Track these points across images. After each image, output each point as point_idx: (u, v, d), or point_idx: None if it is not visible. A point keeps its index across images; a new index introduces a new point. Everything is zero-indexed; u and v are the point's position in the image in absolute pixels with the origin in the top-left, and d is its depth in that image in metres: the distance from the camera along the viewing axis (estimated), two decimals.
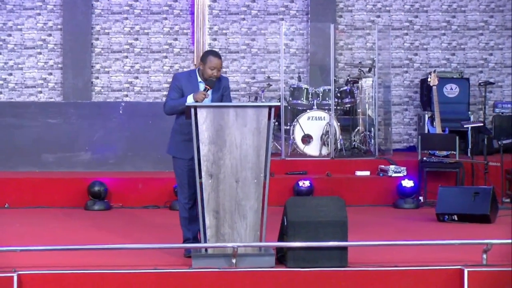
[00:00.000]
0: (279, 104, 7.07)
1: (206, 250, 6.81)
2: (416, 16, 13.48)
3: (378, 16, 13.45)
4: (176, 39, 13.27)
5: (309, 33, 13.32)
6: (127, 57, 13.25)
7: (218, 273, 6.62)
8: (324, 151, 11.64)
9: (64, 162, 11.24)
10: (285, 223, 6.85)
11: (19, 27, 13.10)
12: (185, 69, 12.76)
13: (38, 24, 13.12)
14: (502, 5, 13.53)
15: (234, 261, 6.68)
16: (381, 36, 12.48)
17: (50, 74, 13.16)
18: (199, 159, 6.78)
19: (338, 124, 11.75)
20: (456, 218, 9.19)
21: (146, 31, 13.23)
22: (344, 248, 6.78)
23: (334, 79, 11.92)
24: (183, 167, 7.17)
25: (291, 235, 6.76)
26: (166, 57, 13.27)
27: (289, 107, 12.01)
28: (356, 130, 12.08)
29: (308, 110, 11.81)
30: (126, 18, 13.23)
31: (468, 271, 6.64)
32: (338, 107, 11.97)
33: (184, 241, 7.27)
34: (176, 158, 7.25)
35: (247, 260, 6.74)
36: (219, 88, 7.23)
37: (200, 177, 6.80)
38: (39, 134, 11.29)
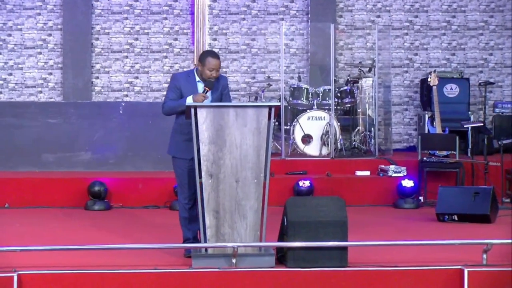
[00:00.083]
0: (279, 104, 7.06)
1: (206, 250, 6.81)
2: (416, 16, 13.47)
3: (378, 16, 13.44)
4: (176, 39, 13.26)
5: (309, 33, 13.31)
6: (127, 57, 13.24)
7: (218, 273, 6.62)
8: (324, 151, 11.63)
9: (64, 162, 11.23)
10: (285, 223, 6.85)
11: (19, 27, 13.09)
12: (185, 69, 12.74)
13: (38, 24, 13.11)
14: (502, 5, 13.52)
15: (234, 261, 6.68)
16: (381, 36, 12.47)
17: (50, 74, 13.15)
18: (199, 159, 6.77)
19: (338, 124, 11.74)
20: (456, 218, 9.18)
21: (146, 31, 13.23)
22: (344, 248, 6.78)
23: (334, 79, 11.92)
24: (184, 167, 7.16)
25: (291, 235, 6.76)
26: (166, 57, 13.27)
27: (289, 107, 12.01)
28: (356, 130, 12.07)
29: (308, 110, 11.81)
30: (126, 18, 13.22)
31: (468, 271, 6.64)
32: (338, 107, 11.97)
33: (184, 241, 7.27)
34: (176, 158, 7.24)
35: (247, 260, 6.73)
36: (218, 87, 7.22)
37: (200, 177, 6.80)
38: (39, 134, 11.28)
